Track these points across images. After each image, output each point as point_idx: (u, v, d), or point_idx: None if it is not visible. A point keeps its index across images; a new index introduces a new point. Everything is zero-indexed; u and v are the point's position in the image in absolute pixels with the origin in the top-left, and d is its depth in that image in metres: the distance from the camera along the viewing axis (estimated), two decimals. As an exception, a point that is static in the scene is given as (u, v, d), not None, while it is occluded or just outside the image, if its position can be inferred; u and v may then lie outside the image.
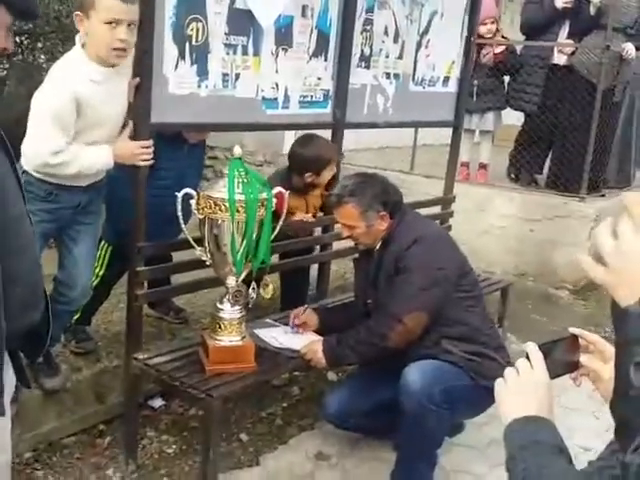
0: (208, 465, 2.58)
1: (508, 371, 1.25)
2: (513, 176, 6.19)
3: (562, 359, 1.33)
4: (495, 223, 5.59)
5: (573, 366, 1.36)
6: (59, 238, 2.86)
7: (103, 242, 3.29)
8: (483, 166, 6.07)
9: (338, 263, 4.69)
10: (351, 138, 6.16)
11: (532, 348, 1.26)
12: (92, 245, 2.92)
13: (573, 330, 1.38)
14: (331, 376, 3.82)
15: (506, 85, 6.00)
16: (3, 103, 4.03)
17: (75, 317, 3.24)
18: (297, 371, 3.65)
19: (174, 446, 3.09)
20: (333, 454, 3.10)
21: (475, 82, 5.59)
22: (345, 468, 3.01)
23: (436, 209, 4.29)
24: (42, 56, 5.34)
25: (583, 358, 1.35)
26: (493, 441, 3.24)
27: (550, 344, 1.32)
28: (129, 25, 2.47)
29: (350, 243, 3.17)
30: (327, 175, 3.46)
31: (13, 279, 1.53)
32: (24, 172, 2.54)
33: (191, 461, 2.97)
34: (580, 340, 1.37)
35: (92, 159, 2.61)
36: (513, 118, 6.61)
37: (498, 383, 1.24)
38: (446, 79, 4.07)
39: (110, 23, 2.45)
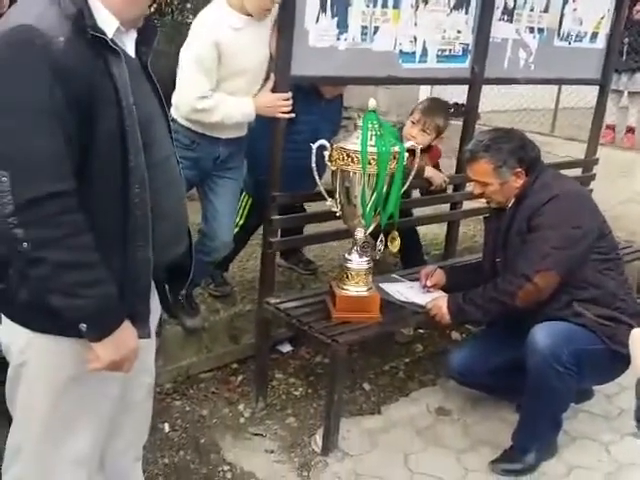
0: (332, 407, 2.69)
1: None
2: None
3: None
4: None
5: None
6: (201, 189, 3.02)
7: (244, 194, 3.45)
8: (630, 130, 5.72)
9: (468, 224, 4.64)
10: (489, 99, 6.03)
11: None
12: (232, 199, 3.05)
13: None
14: (455, 335, 3.82)
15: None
16: (154, 60, 4.28)
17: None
18: (421, 326, 3.69)
19: (300, 389, 3.23)
20: (454, 410, 3.12)
21: (626, 40, 5.25)
22: (466, 424, 3.02)
23: (576, 172, 4.11)
24: (190, 15, 5.59)
25: None
26: (623, 412, 3.14)
27: None
28: None
29: (481, 203, 3.13)
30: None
31: (160, 214, 1.65)
32: (172, 120, 2.70)
33: (316, 404, 3.10)
34: None
35: (234, 108, 2.73)
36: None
37: (634, 331, 1.20)
38: (594, 35, 3.85)
39: None
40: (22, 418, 1.73)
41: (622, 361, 2.66)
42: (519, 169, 2.69)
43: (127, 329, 1.58)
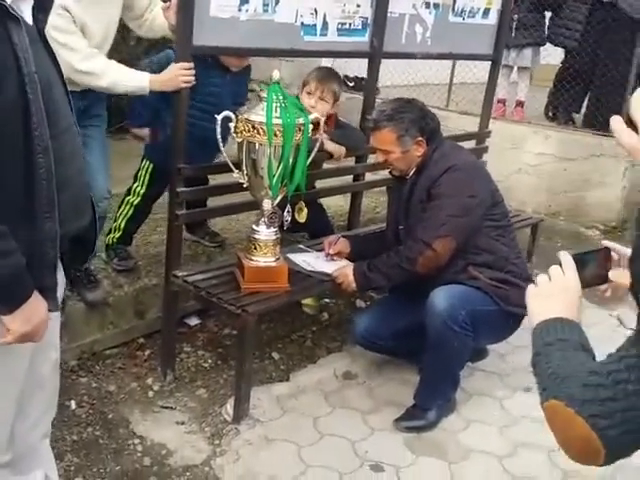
0: (242, 376, 2.74)
1: (540, 277, 1.30)
2: (551, 114, 6.13)
3: (594, 271, 1.36)
4: (529, 161, 5.58)
5: (604, 278, 1.39)
6: None
7: (145, 161, 3.40)
8: (520, 103, 6.01)
9: (370, 196, 4.77)
10: (387, 75, 6.16)
11: (565, 257, 1.30)
12: (101, 150, 2.98)
13: (606, 243, 1.42)
14: (359, 303, 3.94)
15: (547, 20, 5.88)
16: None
17: (117, 236, 3.38)
18: (327, 297, 3.79)
19: (209, 361, 3.25)
20: (360, 373, 3.24)
21: (515, 16, 5.49)
22: (371, 387, 3.15)
23: (470, 144, 4.30)
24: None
25: (612, 272, 1.38)
26: (515, 368, 3.35)
27: (583, 255, 1.35)
28: None
29: (383, 175, 3.23)
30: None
31: (63, 185, 1.62)
32: None
33: (225, 375, 3.14)
34: (612, 254, 1.40)
35: (126, 77, 2.70)
36: (554, 58, 6.49)
37: (529, 288, 1.30)
38: (486, 11, 4.01)
39: None
40: None
41: (514, 321, 2.86)
42: (420, 138, 2.80)
43: (37, 300, 1.55)
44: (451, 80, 6.10)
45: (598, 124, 5.63)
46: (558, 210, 5.55)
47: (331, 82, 3.41)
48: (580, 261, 1.31)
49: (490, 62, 4.21)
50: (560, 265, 1.29)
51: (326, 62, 5.25)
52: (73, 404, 2.79)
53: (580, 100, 6.06)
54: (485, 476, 2.64)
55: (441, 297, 2.69)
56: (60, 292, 1.81)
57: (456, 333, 2.67)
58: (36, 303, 1.56)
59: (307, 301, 3.69)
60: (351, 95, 5.94)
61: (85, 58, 2.65)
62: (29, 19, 1.61)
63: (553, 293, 1.26)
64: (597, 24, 5.63)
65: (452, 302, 2.67)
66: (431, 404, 2.86)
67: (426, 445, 2.78)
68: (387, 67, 5.43)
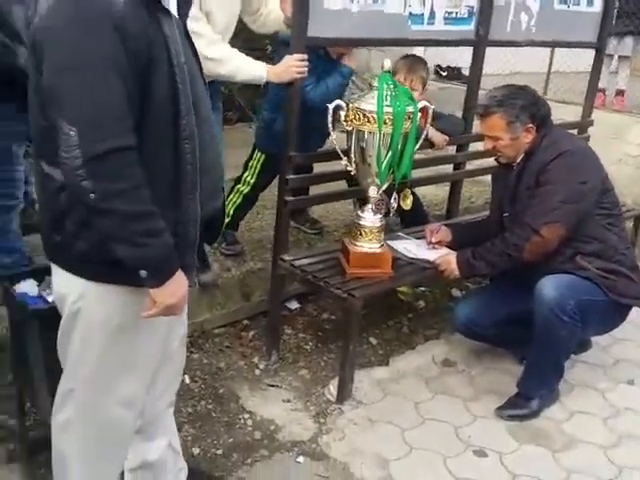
0: (347, 358, 2.82)
1: None
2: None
3: None
4: (630, 152, 5.42)
5: None
6: None
7: (257, 151, 3.52)
8: (620, 92, 5.84)
9: (465, 186, 4.74)
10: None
11: None
12: (219, 139, 3.08)
13: None
14: (455, 292, 3.96)
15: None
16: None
17: (226, 222, 3.52)
18: (423, 285, 3.83)
19: (310, 343, 3.35)
20: (459, 361, 3.26)
21: (617, 3, 5.33)
22: (471, 375, 3.17)
23: (572, 133, 4.22)
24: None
25: None
26: (618, 361, 3.31)
27: None
28: None
29: (483, 163, 3.22)
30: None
31: (203, 169, 1.74)
32: None
33: (326, 357, 3.23)
34: None
35: (246, 65, 2.81)
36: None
37: None
38: (591, -1, 3.94)
39: None
40: (74, 363, 1.82)
41: (622, 312, 2.83)
42: (530, 125, 2.79)
43: (180, 276, 1.67)
44: (549, 69, 5.99)
45: None
46: (659, 202, 5.37)
47: (419, 70, 3.45)
48: None
49: (594, 50, 4.12)
50: None
51: (417, 51, 5.26)
52: (187, 378, 2.94)
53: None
54: (590, 465, 2.63)
55: (550, 286, 2.68)
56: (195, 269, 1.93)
57: (564, 323, 2.66)
58: (180, 278, 1.68)
59: (403, 288, 3.74)
60: (444, 85, 5.93)
61: (211, 43, 2.74)
62: (175, 13, 1.72)
63: None
64: None
65: (561, 291, 2.66)
66: (535, 393, 2.86)
67: (529, 433, 2.79)
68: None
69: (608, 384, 3.15)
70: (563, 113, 5.27)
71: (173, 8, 1.71)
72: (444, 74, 6.34)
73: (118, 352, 1.79)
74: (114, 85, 1.47)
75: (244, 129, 5.83)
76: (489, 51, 3.56)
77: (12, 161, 2.77)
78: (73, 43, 1.47)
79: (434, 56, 6.41)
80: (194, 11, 2.70)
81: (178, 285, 1.66)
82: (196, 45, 2.66)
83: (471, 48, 3.53)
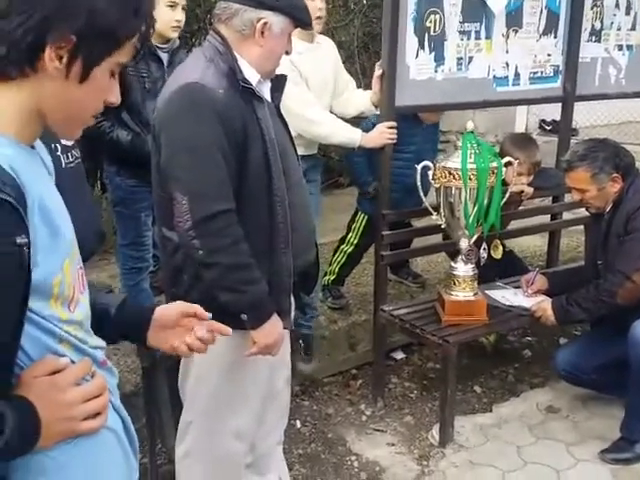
0: (447, 402, 2.96)
1: None
2: None
3: None
4: None
5: None
6: None
7: (359, 214, 3.81)
8: None
9: (571, 236, 4.79)
10: (586, 115, 6.14)
11: None
12: (314, 211, 3.34)
13: None
14: (562, 341, 3.97)
15: None
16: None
17: (332, 279, 3.81)
18: (529, 335, 3.88)
19: (415, 391, 3.51)
20: (564, 408, 3.29)
21: None
22: (575, 420, 3.19)
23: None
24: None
25: None
26: None
27: None
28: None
29: (579, 213, 3.30)
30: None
31: (295, 227, 2.02)
32: None
33: (430, 404, 3.37)
34: None
35: (343, 128, 3.09)
36: None
37: None
38: (684, 46, 3.97)
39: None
40: (192, 399, 2.12)
41: None
42: (615, 174, 2.89)
43: (276, 319, 1.94)
44: (656, 116, 5.93)
45: None
46: None
47: (536, 154, 3.52)
48: None
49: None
50: None
51: (521, 109, 5.42)
52: (298, 423, 3.18)
53: None
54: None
55: (642, 328, 2.73)
56: (292, 314, 2.20)
57: (660, 364, 2.68)
58: (275, 321, 1.95)
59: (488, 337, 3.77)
60: (549, 138, 5.99)
61: (309, 105, 3.04)
62: (268, 97, 2.05)
63: None
64: None
65: (654, 333, 2.70)
66: (639, 436, 2.85)
67: (635, 476, 2.78)
68: (585, 107, 5.46)
69: None
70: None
71: (267, 94, 2.05)
72: (548, 128, 6.43)
73: (229, 388, 2.08)
74: (217, 162, 1.80)
75: (355, 193, 6.16)
76: (596, 104, 3.68)
77: (141, 228, 3.21)
78: (184, 129, 1.82)
79: (538, 112, 6.54)
80: (294, 77, 2.97)
81: (274, 327, 1.93)
82: (297, 107, 2.99)
83: (577, 104, 3.67)
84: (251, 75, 1.94)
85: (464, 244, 3.05)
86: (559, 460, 2.90)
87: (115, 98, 1.06)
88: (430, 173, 2.99)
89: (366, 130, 3.17)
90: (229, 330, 1.40)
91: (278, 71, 2.06)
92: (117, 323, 1.30)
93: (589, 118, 6.12)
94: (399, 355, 3.81)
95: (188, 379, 2.12)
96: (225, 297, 1.85)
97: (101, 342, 1.17)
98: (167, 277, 2.05)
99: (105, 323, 1.26)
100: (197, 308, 1.40)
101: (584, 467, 2.86)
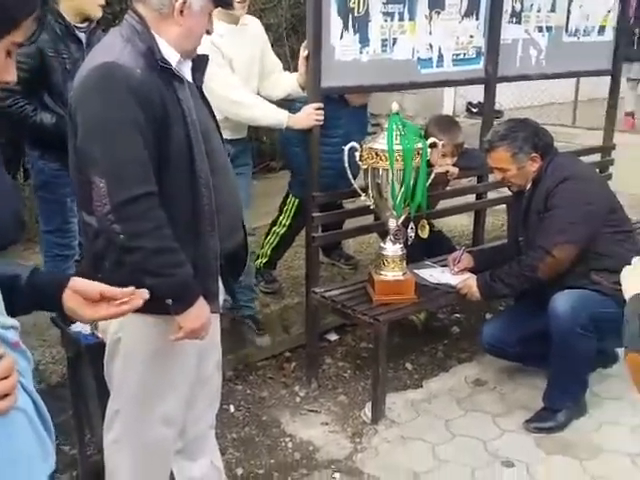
0: (378, 380, 3.01)
1: (636, 259, 1.48)
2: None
3: None
4: (661, 172, 5.47)
5: None
6: None
7: (291, 197, 3.80)
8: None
9: (496, 215, 4.92)
10: (510, 97, 6.31)
11: None
12: (244, 195, 3.29)
13: None
14: (489, 317, 4.08)
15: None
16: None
17: (264, 262, 3.80)
18: (458, 312, 3.98)
19: (348, 371, 3.55)
20: (490, 380, 3.40)
21: (636, 30, 5.49)
22: (502, 392, 3.30)
23: (595, 157, 4.37)
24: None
25: None
26: (648, 373, 3.36)
27: None
28: None
29: (505, 193, 3.39)
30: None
31: (221, 210, 2.00)
32: None
33: (363, 383, 3.41)
34: None
35: (270, 110, 3.08)
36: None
37: (625, 268, 1.48)
38: (602, 28, 4.12)
39: None
40: (119, 386, 2.09)
41: None
42: (534, 154, 2.98)
43: (202, 303, 1.92)
44: (576, 97, 6.14)
45: None
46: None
47: (460, 137, 3.62)
48: None
49: (610, 77, 4.28)
50: None
51: (448, 91, 5.51)
52: (232, 408, 3.18)
53: None
54: (618, 473, 2.71)
55: (562, 301, 2.83)
56: (220, 298, 2.18)
57: (579, 335, 2.79)
58: (202, 304, 1.93)
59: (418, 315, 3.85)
60: (475, 121, 6.12)
61: (234, 87, 3.02)
62: (189, 78, 2.02)
63: None
64: None
65: (573, 305, 2.80)
66: (560, 406, 2.97)
67: (557, 444, 2.90)
68: (510, 89, 5.59)
69: (636, 395, 3.21)
70: (592, 139, 5.41)
71: (188, 74, 2.01)
72: (475, 110, 6.56)
73: (156, 374, 2.05)
74: (135, 142, 1.76)
75: (287, 176, 6.16)
76: (521, 85, 3.76)
77: (67, 214, 3.12)
78: (100, 110, 1.77)
79: (465, 94, 6.67)
80: (217, 58, 2.92)
81: (200, 311, 1.91)
82: (221, 89, 2.95)
83: (502, 85, 3.75)
84: (170, 55, 1.90)
85: (392, 224, 3.09)
86: (486, 431, 3.00)
87: (11, 77, 1.03)
88: (357, 154, 3.01)
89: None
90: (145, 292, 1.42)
91: (199, 52, 2.03)
92: (30, 292, 1.27)
93: (513, 100, 6.28)
94: (333, 337, 3.84)
95: (114, 366, 2.08)
96: (149, 281, 1.81)
97: (13, 321, 1.13)
98: (89, 264, 2.00)
99: (16, 292, 1.22)
100: (117, 292, 1.37)
101: (509, 437, 2.96)
